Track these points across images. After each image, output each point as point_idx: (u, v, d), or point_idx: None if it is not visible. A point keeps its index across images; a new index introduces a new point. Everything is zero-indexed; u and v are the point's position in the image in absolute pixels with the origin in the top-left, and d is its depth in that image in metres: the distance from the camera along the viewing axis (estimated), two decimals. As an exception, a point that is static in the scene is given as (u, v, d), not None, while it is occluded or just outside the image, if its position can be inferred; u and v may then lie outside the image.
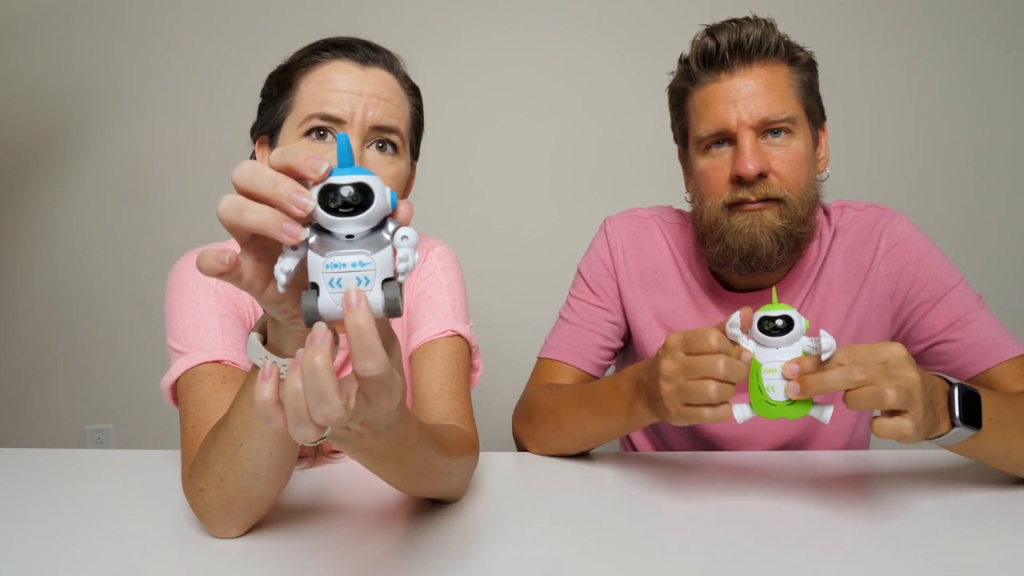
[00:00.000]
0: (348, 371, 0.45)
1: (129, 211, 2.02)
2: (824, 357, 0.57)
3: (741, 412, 0.61)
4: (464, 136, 1.95)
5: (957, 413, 0.61)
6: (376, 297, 0.36)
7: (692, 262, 0.94)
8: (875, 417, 0.57)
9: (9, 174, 2.02)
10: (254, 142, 0.76)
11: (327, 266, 0.36)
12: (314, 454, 0.81)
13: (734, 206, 0.81)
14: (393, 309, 0.36)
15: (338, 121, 0.68)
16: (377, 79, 0.70)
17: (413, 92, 0.76)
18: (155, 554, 0.58)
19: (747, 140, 0.78)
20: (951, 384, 0.63)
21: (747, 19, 0.81)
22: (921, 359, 0.86)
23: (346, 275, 0.36)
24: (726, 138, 0.81)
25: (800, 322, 0.58)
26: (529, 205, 1.98)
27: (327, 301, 0.36)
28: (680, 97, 0.87)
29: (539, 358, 0.97)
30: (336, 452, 0.83)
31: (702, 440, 0.93)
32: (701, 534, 0.61)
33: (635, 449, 1.03)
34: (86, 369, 2.07)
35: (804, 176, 0.81)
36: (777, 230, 0.80)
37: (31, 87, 1.98)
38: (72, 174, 2.02)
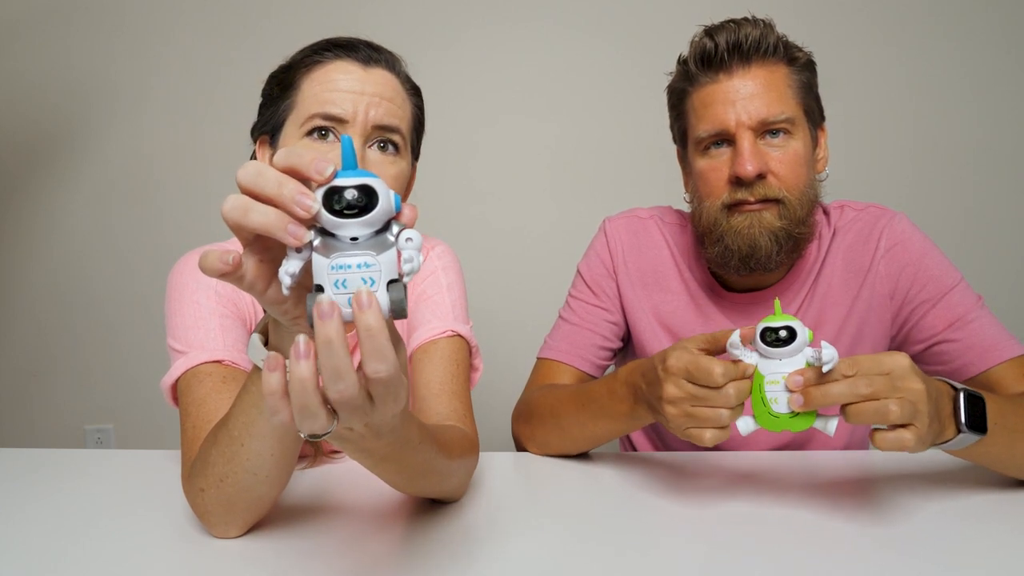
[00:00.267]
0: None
1: (129, 211, 2.02)
2: (825, 368, 0.56)
3: (744, 425, 0.61)
4: (464, 136, 1.95)
5: (963, 419, 0.60)
6: (382, 299, 0.36)
7: (692, 262, 0.94)
8: (876, 429, 0.57)
9: (9, 174, 2.02)
10: (254, 142, 0.76)
11: (332, 268, 0.36)
12: (314, 454, 0.81)
13: (733, 207, 0.81)
14: (399, 311, 0.36)
15: (340, 120, 0.67)
16: (379, 79, 0.70)
17: (414, 92, 0.76)
18: (155, 554, 0.58)
19: (746, 141, 0.78)
20: (956, 389, 0.62)
21: (746, 19, 0.81)
22: (921, 359, 0.86)
23: (351, 276, 0.36)
24: (725, 139, 0.81)
25: (803, 333, 0.57)
26: (529, 205, 1.98)
27: None
28: (679, 98, 0.87)
29: (538, 358, 0.97)
30: (336, 452, 0.84)
31: (702, 440, 0.93)
32: (701, 534, 0.61)
33: (635, 449, 1.03)
34: (86, 369, 2.07)
35: (803, 177, 0.81)
36: (776, 231, 0.80)
37: (31, 87, 1.98)
38: (72, 174, 2.02)
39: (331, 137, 0.68)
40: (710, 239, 0.84)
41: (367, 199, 0.35)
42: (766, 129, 0.79)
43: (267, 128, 0.73)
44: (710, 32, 0.81)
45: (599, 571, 0.55)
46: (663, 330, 0.94)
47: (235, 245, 0.39)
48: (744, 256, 0.81)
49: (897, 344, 0.88)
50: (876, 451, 0.84)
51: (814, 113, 0.84)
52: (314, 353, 0.35)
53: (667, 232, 0.96)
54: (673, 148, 0.94)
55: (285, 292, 0.37)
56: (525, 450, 0.88)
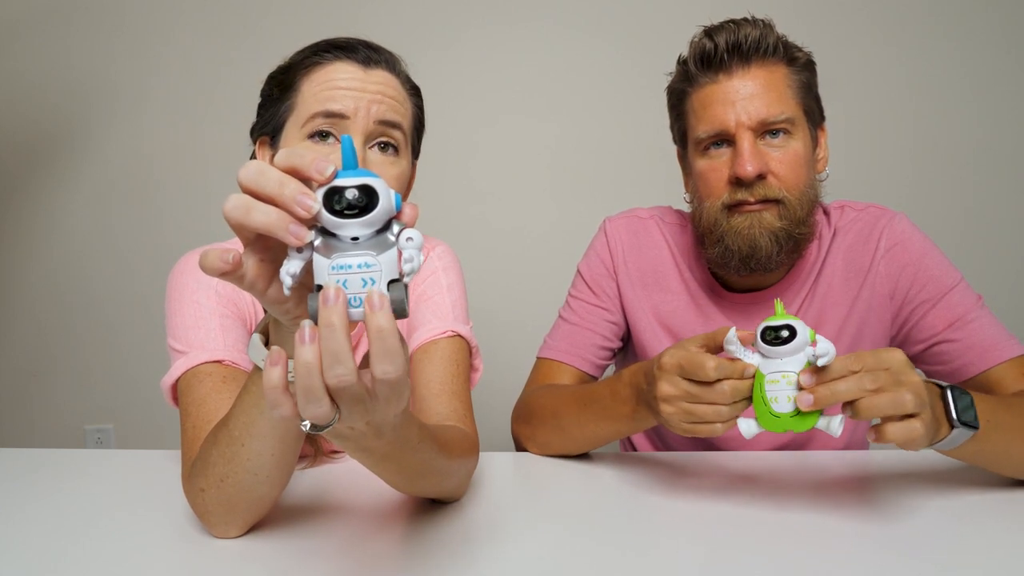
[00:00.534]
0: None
1: (129, 211, 2.02)
2: (820, 363, 0.55)
3: (747, 427, 0.60)
4: (464, 136, 1.95)
5: (954, 414, 0.60)
6: None
7: (692, 262, 0.94)
8: (881, 423, 0.56)
9: (9, 174, 2.02)
10: (254, 143, 0.76)
11: (332, 268, 0.36)
12: (314, 454, 0.81)
13: (733, 207, 0.81)
14: (399, 310, 0.36)
15: (342, 117, 0.67)
16: (379, 79, 0.70)
17: (414, 92, 0.76)
18: (155, 554, 0.58)
19: (746, 141, 0.78)
20: (941, 387, 0.62)
21: (745, 20, 0.81)
22: (921, 359, 0.86)
23: (352, 277, 0.36)
24: (725, 139, 0.81)
25: (804, 332, 0.57)
26: (529, 205, 1.98)
27: None
28: (679, 98, 0.87)
29: (538, 358, 0.97)
30: (336, 452, 0.84)
31: (702, 440, 0.94)
32: (701, 534, 0.61)
33: (635, 449, 1.03)
34: (86, 369, 2.07)
35: (803, 177, 0.81)
36: (776, 231, 0.80)
37: (31, 87, 1.98)
38: (72, 174, 2.02)
39: (331, 139, 0.68)
40: (710, 239, 0.84)
41: (368, 199, 0.35)
42: (766, 129, 0.79)
43: (267, 129, 0.73)
44: (710, 32, 0.81)
45: (599, 571, 0.55)
46: (663, 330, 0.94)
47: (236, 245, 0.40)
48: (744, 256, 0.81)
49: (897, 344, 0.88)
50: (875, 452, 0.84)
51: (814, 113, 0.84)
52: (319, 339, 0.35)
53: (667, 232, 0.96)
54: (673, 148, 0.94)
55: (286, 292, 0.37)
56: (525, 450, 0.88)
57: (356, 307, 0.36)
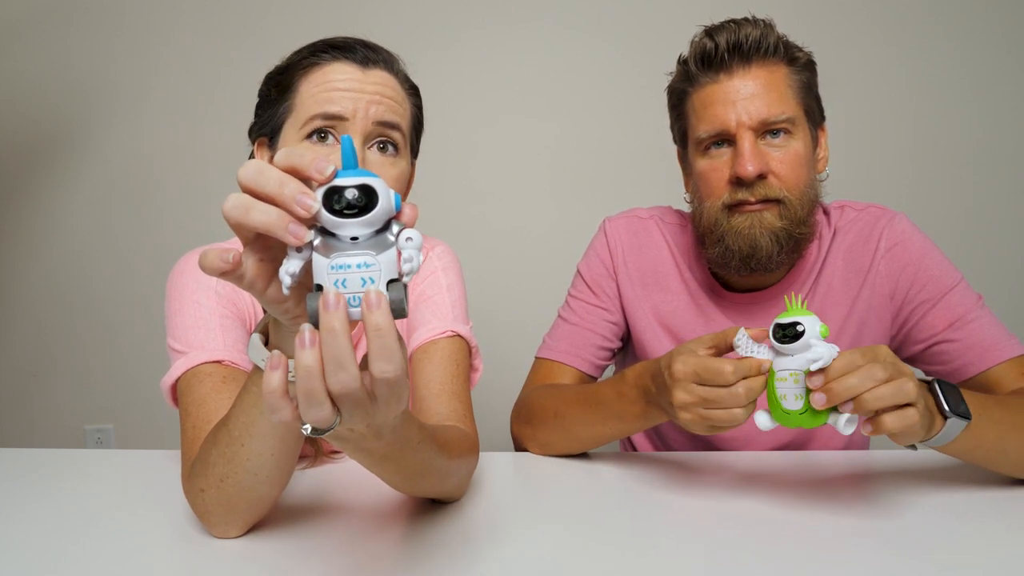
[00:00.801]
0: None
1: (129, 211, 2.02)
2: (815, 367, 0.56)
3: (762, 420, 0.61)
4: (464, 136, 1.95)
5: (944, 404, 0.61)
6: None
7: (692, 262, 0.94)
8: (877, 414, 0.56)
9: (9, 174, 2.02)
10: (252, 143, 0.75)
11: (332, 267, 0.36)
12: (314, 454, 0.81)
13: (734, 207, 0.81)
14: (399, 310, 0.36)
15: (340, 118, 0.67)
16: (378, 79, 0.70)
17: (413, 92, 0.76)
18: (155, 554, 0.58)
19: (746, 141, 0.78)
20: (927, 381, 0.63)
21: (746, 20, 0.81)
22: (921, 359, 0.86)
23: (351, 276, 0.36)
24: (725, 139, 0.81)
25: (813, 327, 0.57)
26: (529, 205, 1.98)
27: None
28: (679, 98, 0.87)
29: (537, 358, 0.97)
30: (336, 452, 0.84)
31: (702, 440, 0.94)
32: (701, 534, 0.61)
33: (635, 449, 1.03)
34: (86, 369, 2.07)
35: (803, 177, 0.81)
36: (777, 231, 0.80)
37: (31, 87, 1.98)
38: (72, 174, 2.02)
39: (331, 140, 0.68)
40: (711, 239, 0.84)
41: (367, 199, 0.35)
42: (766, 129, 0.79)
43: (265, 130, 0.73)
44: (710, 32, 0.81)
45: (599, 571, 0.55)
46: (663, 330, 0.94)
47: (236, 245, 0.39)
48: (745, 256, 0.81)
49: (897, 344, 0.88)
50: (875, 451, 0.84)
51: (814, 113, 0.84)
52: (319, 343, 0.35)
53: (667, 232, 0.96)
54: (673, 148, 0.94)
55: (285, 292, 0.37)
56: (524, 450, 0.88)
57: (355, 306, 0.36)
